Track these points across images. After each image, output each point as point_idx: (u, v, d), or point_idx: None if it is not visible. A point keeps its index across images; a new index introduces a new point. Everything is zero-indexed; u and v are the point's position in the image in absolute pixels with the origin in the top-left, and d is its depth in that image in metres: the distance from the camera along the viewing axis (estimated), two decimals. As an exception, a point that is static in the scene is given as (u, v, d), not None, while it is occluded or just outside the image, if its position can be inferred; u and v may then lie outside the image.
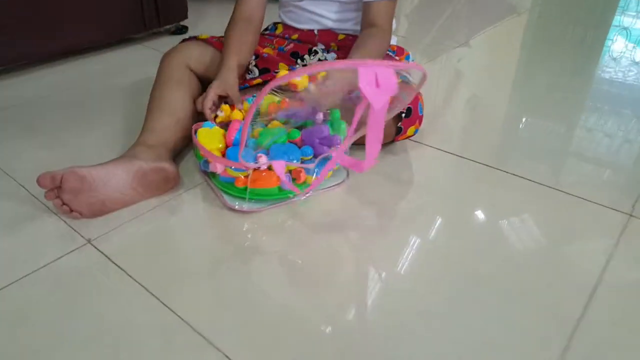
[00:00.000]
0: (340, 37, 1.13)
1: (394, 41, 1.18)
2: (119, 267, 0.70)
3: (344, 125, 0.89)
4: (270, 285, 0.68)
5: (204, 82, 1.02)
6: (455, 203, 0.87)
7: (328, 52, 1.13)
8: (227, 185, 0.82)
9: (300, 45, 1.13)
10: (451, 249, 0.76)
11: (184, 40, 1.09)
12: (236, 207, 0.81)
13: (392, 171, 0.95)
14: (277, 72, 1.11)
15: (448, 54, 1.56)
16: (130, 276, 0.68)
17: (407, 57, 1.13)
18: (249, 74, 1.09)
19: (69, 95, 1.25)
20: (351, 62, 0.70)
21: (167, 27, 1.65)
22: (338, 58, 1.11)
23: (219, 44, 1.06)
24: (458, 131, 1.15)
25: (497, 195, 0.89)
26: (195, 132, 0.84)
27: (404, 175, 0.96)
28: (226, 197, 0.83)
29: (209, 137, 0.82)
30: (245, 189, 0.80)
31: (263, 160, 0.77)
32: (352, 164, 0.79)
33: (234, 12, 1.04)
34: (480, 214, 0.84)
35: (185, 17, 1.67)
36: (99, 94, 1.27)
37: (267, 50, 1.13)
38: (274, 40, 1.16)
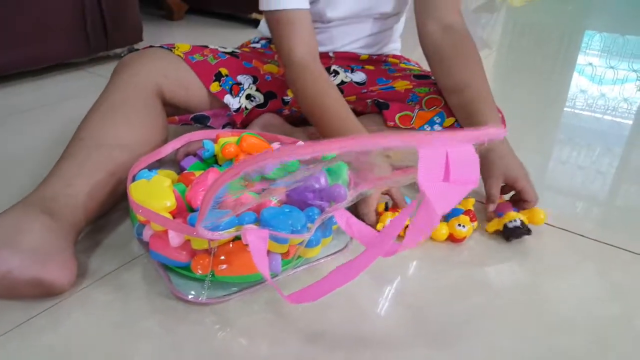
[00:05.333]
0: (363, 57, 0.89)
1: (399, 46, 0.96)
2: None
3: (345, 169, 0.63)
4: None
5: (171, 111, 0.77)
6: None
7: (352, 71, 0.87)
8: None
9: None
10: None
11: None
12: (190, 298, 0.54)
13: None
14: (286, 100, 0.85)
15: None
16: None
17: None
18: (252, 100, 0.82)
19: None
20: (403, 137, 0.38)
21: (117, 50, 1.38)
22: (369, 79, 0.86)
23: (205, 72, 0.79)
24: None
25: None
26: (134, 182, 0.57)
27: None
28: (174, 281, 0.55)
29: (147, 192, 0.54)
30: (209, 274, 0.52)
31: (247, 228, 0.50)
32: (371, 239, 0.50)
33: (286, 55, 0.74)
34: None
35: (140, 39, 1.41)
36: (19, 130, 0.98)
37: (268, 68, 0.86)
38: (275, 55, 0.89)
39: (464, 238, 0.65)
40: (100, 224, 0.66)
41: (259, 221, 0.54)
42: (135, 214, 0.55)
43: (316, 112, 0.72)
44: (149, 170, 0.61)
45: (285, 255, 0.55)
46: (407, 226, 0.46)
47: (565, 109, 1.20)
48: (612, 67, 1.52)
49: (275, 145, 0.71)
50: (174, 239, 0.51)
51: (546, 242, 0.67)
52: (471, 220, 0.66)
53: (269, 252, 0.53)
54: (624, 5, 2.54)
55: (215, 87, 0.80)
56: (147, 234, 0.55)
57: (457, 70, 0.75)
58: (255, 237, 0.49)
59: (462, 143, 0.38)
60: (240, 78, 0.83)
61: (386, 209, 0.67)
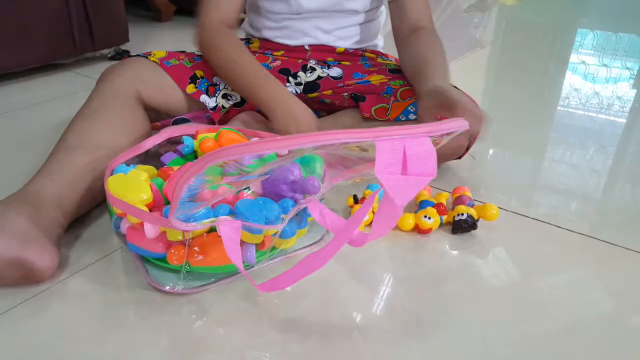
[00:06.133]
0: (339, 50, 0.91)
1: (379, 43, 0.98)
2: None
3: (319, 161, 0.64)
4: None
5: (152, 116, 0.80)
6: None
7: (328, 67, 0.89)
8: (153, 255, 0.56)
9: (288, 61, 0.89)
10: None
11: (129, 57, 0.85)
12: (167, 288, 0.55)
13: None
14: None
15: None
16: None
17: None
18: (229, 99, 0.84)
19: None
20: (362, 132, 0.40)
21: (104, 51, 1.40)
22: (345, 74, 0.88)
23: (181, 75, 0.82)
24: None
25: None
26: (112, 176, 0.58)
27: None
28: (152, 273, 0.56)
29: (124, 186, 0.56)
30: (184, 265, 0.54)
31: (221, 219, 0.51)
32: (342, 229, 0.51)
33: (202, 19, 0.82)
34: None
35: (126, 39, 1.42)
36: (7, 131, 0.99)
37: None
38: (254, 54, 0.91)
39: (430, 230, 0.66)
40: (80, 218, 0.67)
41: (233, 213, 0.55)
42: (112, 207, 0.57)
43: (230, 71, 0.78)
44: (127, 165, 0.62)
45: (260, 246, 0.56)
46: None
47: (558, 107, 1.21)
48: (605, 65, 1.52)
49: (254, 140, 0.72)
50: (150, 230, 0.53)
51: (526, 235, 0.69)
52: (440, 214, 0.67)
53: (243, 242, 0.54)
54: (616, 3, 2.55)
55: (191, 88, 0.82)
56: (124, 226, 0.56)
57: (418, 49, 0.82)
58: (228, 228, 0.50)
59: (420, 136, 0.40)
60: (215, 79, 0.85)
61: (355, 201, 0.69)
